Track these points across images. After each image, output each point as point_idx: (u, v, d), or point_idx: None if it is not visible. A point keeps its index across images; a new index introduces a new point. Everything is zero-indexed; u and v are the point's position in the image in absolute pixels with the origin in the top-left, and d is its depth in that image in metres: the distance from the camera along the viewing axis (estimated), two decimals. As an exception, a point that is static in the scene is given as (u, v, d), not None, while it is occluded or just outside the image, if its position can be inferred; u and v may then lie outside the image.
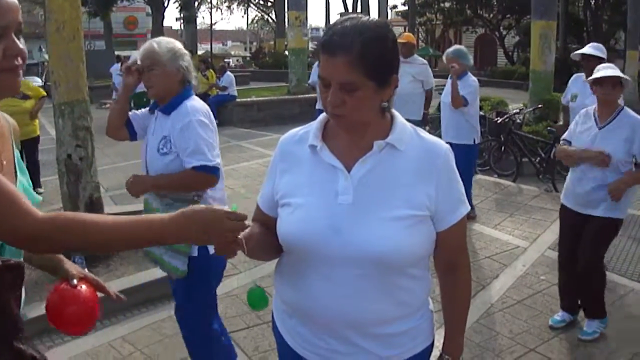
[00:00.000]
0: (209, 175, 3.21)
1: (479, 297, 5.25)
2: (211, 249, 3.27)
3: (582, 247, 4.50)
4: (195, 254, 3.28)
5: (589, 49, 6.21)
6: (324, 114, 1.94)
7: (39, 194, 8.92)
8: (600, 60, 5.99)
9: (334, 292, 1.82)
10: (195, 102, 3.32)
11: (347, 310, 1.83)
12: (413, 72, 8.27)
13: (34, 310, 4.68)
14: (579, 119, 4.62)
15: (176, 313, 3.64)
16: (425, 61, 8.77)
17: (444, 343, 2.11)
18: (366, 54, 1.68)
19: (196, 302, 3.49)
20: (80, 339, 4.54)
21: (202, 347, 3.63)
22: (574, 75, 6.62)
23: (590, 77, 4.49)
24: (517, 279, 5.64)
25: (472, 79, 7.09)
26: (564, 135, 4.73)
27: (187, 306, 3.52)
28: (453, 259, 2.03)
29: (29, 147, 9.00)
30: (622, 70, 4.68)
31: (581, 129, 4.54)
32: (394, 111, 1.91)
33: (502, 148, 10.10)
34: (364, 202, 1.80)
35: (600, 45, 6.28)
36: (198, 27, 41.96)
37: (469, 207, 1.99)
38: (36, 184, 9.08)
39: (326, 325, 1.88)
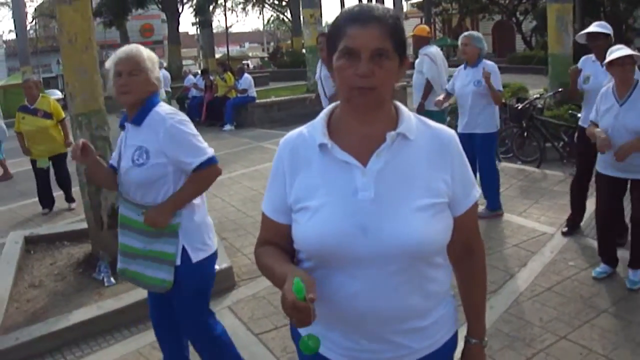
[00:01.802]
0: (213, 165, 3.22)
1: (508, 286, 5.19)
2: (194, 257, 3.24)
3: (634, 207, 5.03)
4: (179, 263, 3.23)
5: (594, 27, 6.08)
6: (324, 111, 1.92)
7: (71, 209, 8.89)
8: (607, 36, 5.97)
9: (366, 292, 1.78)
10: (165, 107, 3.26)
11: (382, 309, 1.80)
12: (415, 63, 8.37)
13: (62, 321, 4.74)
14: (599, 100, 5.04)
15: (181, 328, 3.55)
16: (426, 52, 8.53)
17: (468, 327, 2.12)
18: (395, 27, 1.73)
19: (192, 311, 3.44)
20: (109, 347, 4.58)
21: (214, 354, 3.61)
22: (583, 58, 6.44)
23: (607, 60, 4.86)
24: (545, 266, 5.57)
25: (489, 63, 6.89)
26: (591, 117, 5.21)
27: (186, 318, 3.45)
28: (470, 242, 2.03)
29: (58, 163, 9.01)
30: (640, 50, 4.88)
31: (604, 109, 4.97)
32: (395, 101, 1.90)
33: (525, 134, 9.99)
34: (386, 196, 1.76)
35: (604, 23, 6.16)
36: (214, 31, 42.17)
37: (479, 190, 2.00)
38: (69, 198, 9.09)
39: (359, 326, 1.84)
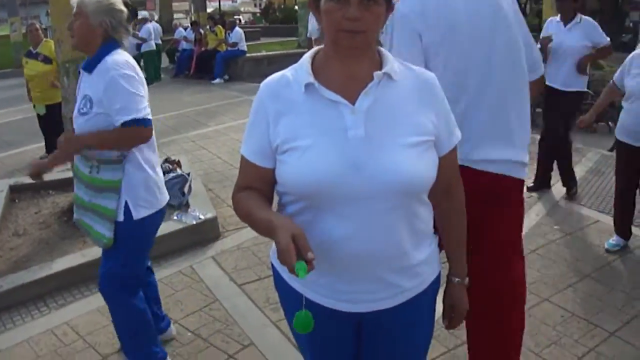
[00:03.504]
0: (140, 128, 3.01)
1: (492, 248, 5.19)
2: (135, 214, 3.13)
3: None
4: (121, 218, 3.14)
5: None
6: (308, 54, 1.90)
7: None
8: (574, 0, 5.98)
9: (360, 231, 1.78)
10: (117, 56, 3.10)
11: (376, 248, 1.80)
12: None
13: (45, 269, 4.71)
14: (630, 63, 4.97)
15: (99, 283, 3.40)
16: None
17: (450, 267, 2.17)
18: None
19: (119, 266, 3.29)
20: (92, 295, 4.56)
21: (124, 322, 3.46)
22: (548, 19, 6.59)
23: None
24: (530, 229, 5.58)
25: None
26: (615, 77, 5.16)
27: (109, 273, 3.31)
28: (451, 183, 2.05)
29: (55, 112, 8.09)
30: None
31: (635, 72, 4.88)
32: (378, 47, 1.90)
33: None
34: (376, 134, 1.76)
35: None
36: (207, -16, 41.49)
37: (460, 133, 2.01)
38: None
39: (352, 268, 1.84)
